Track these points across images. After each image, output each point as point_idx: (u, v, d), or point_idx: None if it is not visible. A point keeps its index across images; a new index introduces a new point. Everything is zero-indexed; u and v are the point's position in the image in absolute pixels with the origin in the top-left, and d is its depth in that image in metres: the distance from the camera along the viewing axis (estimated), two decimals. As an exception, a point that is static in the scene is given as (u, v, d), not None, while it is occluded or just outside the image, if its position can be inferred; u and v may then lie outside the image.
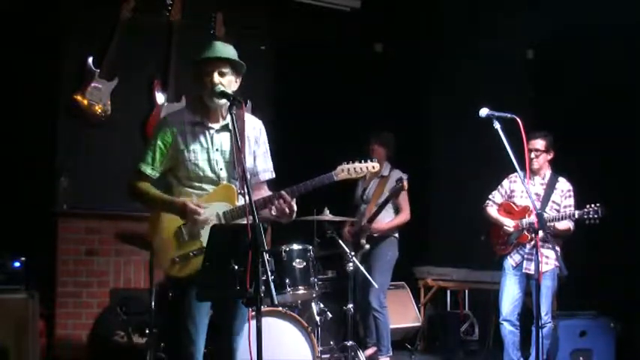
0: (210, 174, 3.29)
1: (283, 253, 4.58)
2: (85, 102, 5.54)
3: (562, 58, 6.20)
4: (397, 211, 5.53)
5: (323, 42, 6.53)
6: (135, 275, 5.64)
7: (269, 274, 2.75)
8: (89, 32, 5.63)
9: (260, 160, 3.45)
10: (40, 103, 5.53)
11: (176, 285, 3.28)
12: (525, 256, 4.75)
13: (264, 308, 4.10)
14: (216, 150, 3.30)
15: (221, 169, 3.30)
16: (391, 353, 5.49)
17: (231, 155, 3.30)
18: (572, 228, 4.66)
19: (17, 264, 4.54)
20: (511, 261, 4.81)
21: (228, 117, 3.26)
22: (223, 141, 3.32)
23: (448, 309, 6.68)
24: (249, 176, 3.30)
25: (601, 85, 5.68)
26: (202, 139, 3.29)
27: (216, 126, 3.31)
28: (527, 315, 4.78)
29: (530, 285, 4.76)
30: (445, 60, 7.05)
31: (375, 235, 5.43)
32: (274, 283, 2.78)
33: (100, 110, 5.57)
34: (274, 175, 3.52)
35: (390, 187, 5.38)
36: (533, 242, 4.62)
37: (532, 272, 4.63)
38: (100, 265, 5.56)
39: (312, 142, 6.38)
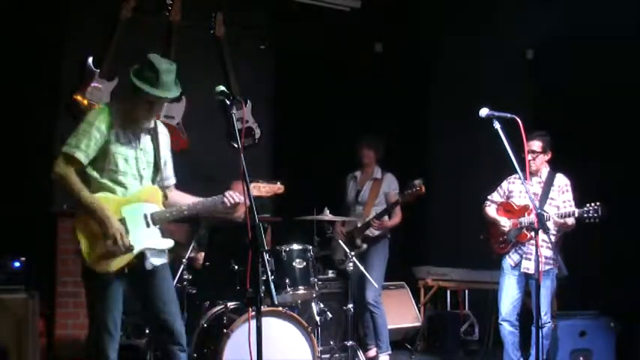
0: (134, 171, 3.41)
1: (283, 253, 4.59)
2: (85, 102, 5.54)
3: (562, 58, 6.20)
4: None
5: (323, 42, 6.53)
6: (135, 275, 5.63)
7: (269, 274, 2.76)
8: (89, 32, 5.64)
9: (168, 165, 3.62)
10: (40, 103, 5.53)
11: (98, 279, 3.34)
12: (524, 255, 4.74)
13: (264, 308, 4.09)
14: (141, 149, 3.43)
15: (144, 169, 3.45)
16: (390, 351, 5.49)
17: (154, 157, 3.47)
18: (573, 222, 4.63)
19: (17, 264, 4.55)
20: (510, 261, 4.81)
21: (153, 122, 3.46)
22: (146, 143, 3.46)
23: (448, 309, 6.68)
24: (160, 180, 3.52)
25: (601, 85, 5.67)
26: (131, 135, 3.41)
27: (142, 128, 3.43)
28: (527, 315, 4.78)
29: (529, 285, 4.76)
30: (445, 60, 7.04)
31: (372, 235, 5.43)
32: (274, 283, 2.79)
33: (100, 110, 5.57)
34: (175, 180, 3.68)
35: (406, 191, 5.16)
36: (532, 242, 4.61)
37: (531, 272, 4.63)
38: (100, 265, 5.55)
39: (311, 141, 6.38)
